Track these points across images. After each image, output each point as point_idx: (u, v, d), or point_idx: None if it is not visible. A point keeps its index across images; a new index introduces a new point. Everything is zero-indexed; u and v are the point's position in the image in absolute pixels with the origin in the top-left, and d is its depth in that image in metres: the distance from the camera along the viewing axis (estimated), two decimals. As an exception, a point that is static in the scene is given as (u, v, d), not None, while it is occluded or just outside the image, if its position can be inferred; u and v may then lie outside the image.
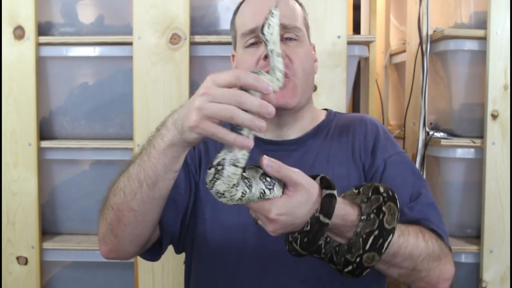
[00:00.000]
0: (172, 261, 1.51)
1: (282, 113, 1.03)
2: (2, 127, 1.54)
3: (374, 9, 1.78)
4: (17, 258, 1.56)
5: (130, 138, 1.55)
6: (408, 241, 0.85)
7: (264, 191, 0.74)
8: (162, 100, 1.50)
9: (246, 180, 0.73)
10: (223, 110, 0.68)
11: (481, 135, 1.57)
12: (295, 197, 0.75)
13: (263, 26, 0.78)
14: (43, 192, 1.60)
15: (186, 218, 1.05)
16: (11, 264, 1.56)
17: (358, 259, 0.79)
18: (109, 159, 1.60)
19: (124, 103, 1.59)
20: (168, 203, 0.96)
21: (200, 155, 1.09)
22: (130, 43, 1.51)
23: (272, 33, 0.78)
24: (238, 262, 1.01)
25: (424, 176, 1.67)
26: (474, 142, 1.57)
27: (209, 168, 0.72)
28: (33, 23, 1.52)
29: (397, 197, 0.82)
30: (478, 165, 1.59)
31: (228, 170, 0.70)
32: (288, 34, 1.03)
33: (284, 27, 1.02)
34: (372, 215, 0.80)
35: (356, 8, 2.00)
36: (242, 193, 0.73)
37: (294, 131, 1.07)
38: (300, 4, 1.12)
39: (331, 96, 1.48)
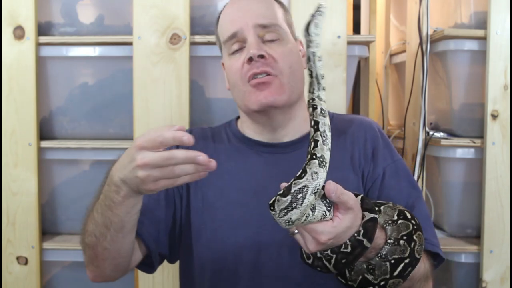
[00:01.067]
0: (172, 261, 1.52)
1: (273, 112, 1.02)
2: (2, 127, 1.54)
3: (374, 9, 1.78)
4: (17, 258, 1.56)
5: (130, 138, 1.55)
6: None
7: (325, 213, 0.72)
8: (162, 100, 1.50)
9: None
10: (166, 175, 0.76)
11: (481, 135, 1.57)
12: (345, 221, 0.74)
13: (309, 24, 0.74)
14: (43, 192, 1.60)
15: (175, 230, 1.06)
16: (11, 264, 1.56)
17: (382, 283, 0.79)
18: (109, 159, 1.60)
19: (124, 103, 1.59)
20: (151, 221, 1.00)
21: None
22: (130, 43, 1.51)
23: (318, 33, 0.73)
24: (234, 266, 1.00)
25: (424, 176, 1.67)
26: (474, 142, 1.57)
27: (284, 195, 0.68)
28: (33, 23, 1.52)
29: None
30: (478, 165, 1.59)
31: (309, 199, 0.67)
32: (269, 35, 1.02)
33: (264, 27, 1.01)
34: (402, 242, 0.79)
35: (356, 8, 2.00)
36: (306, 216, 0.70)
37: (288, 132, 1.07)
38: (280, 3, 1.10)
39: (331, 96, 1.48)
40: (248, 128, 1.10)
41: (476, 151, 1.59)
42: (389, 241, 0.80)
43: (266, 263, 0.99)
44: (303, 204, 0.67)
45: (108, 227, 0.87)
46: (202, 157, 0.74)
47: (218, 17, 1.12)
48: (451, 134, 1.65)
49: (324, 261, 0.76)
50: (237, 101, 1.07)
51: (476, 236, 1.64)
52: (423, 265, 0.90)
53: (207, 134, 1.14)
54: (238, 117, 1.17)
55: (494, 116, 1.54)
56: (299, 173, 0.70)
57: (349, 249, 0.74)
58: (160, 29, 1.49)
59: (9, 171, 1.54)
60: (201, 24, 1.57)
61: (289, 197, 0.67)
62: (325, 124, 0.73)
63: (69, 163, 1.63)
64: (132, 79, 1.51)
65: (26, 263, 1.56)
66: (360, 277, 0.79)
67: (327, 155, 0.72)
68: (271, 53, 1.00)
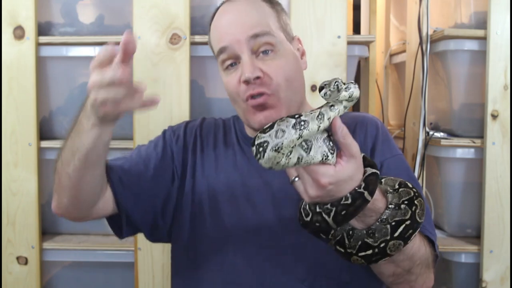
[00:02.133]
0: (172, 261, 1.52)
1: None
2: (2, 127, 1.54)
3: (374, 9, 1.78)
4: (17, 258, 1.56)
5: (130, 138, 1.55)
6: (414, 242, 0.86)
7: (327, 155, 0.71)
8: (162, 100, 1.50)
9: (304, 143, 0.70)
10: (110, 94, 0.80)
11: (481, 135, 1.57)
12: (347, 169, 0.73)
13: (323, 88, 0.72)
14: (43, 192, 1.60)
15: (164, 207, 1.08)
16: (11, 264, 1.56)
17: (382, 245, 0.78)
18: (109, 159, 1.60)
19: (124, 103, 1.59)
20: (130, 182, 1.04)
21: (195, 154, 1.10)
22: (130, 43, 1.51)
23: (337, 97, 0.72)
24: (235, 261, 1.01)
25: (424, 176, 1.67)
26: (474, 142, 1.57)
27: (252, 144, 0.71)
28: (33, 23, 1.52)
29: None
30: (478, 165, 1.59)
31: (269, 155, 0.68)
32: (262, 47, 1.01)
33: (256, 36, 1.00)
34: (403, 206, 0.79)
35: (356, 8, 2.00)
36: (298, 158, 0.70)
37: None
38: (271, 3, 1.08)
39: (331, 96, 1.48)
40: (248, 127, 1.12)
41: (476, 151, 1.59)
42: (390, 206, 0.80)
43: (268, 259, 1.00)
44: (265, 157, 0.69)
45: (73, 154, 0.89)
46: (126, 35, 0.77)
47: (210, 25, 1.10)
48: (451, 134, 1.65)
49: (324, 215, 0.75)
50: (238, 112, 1.08)
51: (476, 236, 1.64)
52: (424, 248, 0.90)
53: (219, 124, 1.17)
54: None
55: (494, 116, 1.54)
56: (266, 126, 0.71)
57: (349, 201, 0.73)
58: (160, 29, 1.49)
59: (9, 171, 1.54)
60: (201, 24, 1.57)
61: (253, 148, 0.70)
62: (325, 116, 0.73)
63: (69, 163, 1.63)
64: (132, 79, 1.50)
65: (26, 263, 1.56)
66: (360, 242, 0.79)
67: (312, 126, 0.70)
68: (266, 71, 0.99)
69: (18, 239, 1.55)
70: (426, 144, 1.64)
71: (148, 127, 1.50)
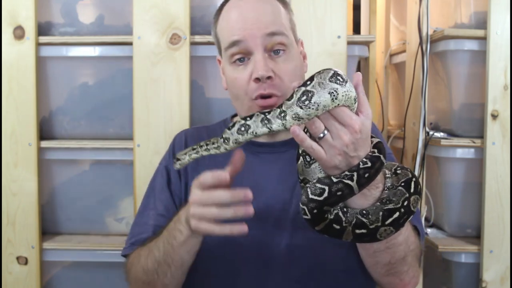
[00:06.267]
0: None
1: None
2: (2, 127, 1.54)
3: (374, 9, 1.78)
4: (17, 258, 1.56)
5: (130, 138, 1.55)
6: (407, 227, 0.88)
7: (356, 96, 0.74)
8: (162, 100, 1.50)
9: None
10: (208, 213, 0.82)
11: (481, 135, 1.57)
12: (368, 122, 0.75)
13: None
14: (43, 192, 1.60)
15: None
16: (11, 264, 1.56)
17: (406, 203, 0.80)
18: (109, 159, 1.60)
19: (124, 103, 1.59)
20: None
21: (186, 171, 1.10)
22: (130, 43, 1.51)
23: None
24: (232, 264, 1.01)
25: (424, 176, 1.67)
26: (474, 142, 1.57)
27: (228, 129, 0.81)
28: (33, 23, 1.52)
29: None
30: (478, 165, 1.59)
31: (237, 140, 0.80)
32: (276, 46, 1.00)
33: (272, 34, 0.99)
34: (399, 188, 0.82)
35: (356, 8, 2.00)
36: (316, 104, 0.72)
37: (286, 133, 1.07)
38: (283, 2, 1.08)
39: (331, 96, 1.48)
40: None
41: (476, 151, 1.59)
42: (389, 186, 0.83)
43: (264, 261, 0.99)
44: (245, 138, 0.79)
45: (169, 265, 0.93)
46: (248, 193, 0.80)
47: (218, 15, 1.07)
48: (451, 134, 1.65)
49: (345, 180, 0.76)
50: (237, 109, 1.07)
51: (476, 236, 1.64)
52: (414, 235, 0.93)
53: (202, 134, 1.14)
54: (234, 115, 1.17)
55: (494, 116, 1.54)
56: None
57: (369, 164, 0.76)
58: (160, 29, 1.49)
59: (9, 171, 1.54)
60: (201, 24, 1.57)
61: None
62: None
63: (69, 163, 1.63)
64: (132, 79, 1.51)
65: (26, 263, 1.56)
66: (381, 213, 0.80)
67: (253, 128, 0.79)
68: (277, 72, 0.99)
69: (18, 239, 1.55)
70: (426, 144, 1.64)
71: (148, 127, 1.50)
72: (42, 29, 1.57)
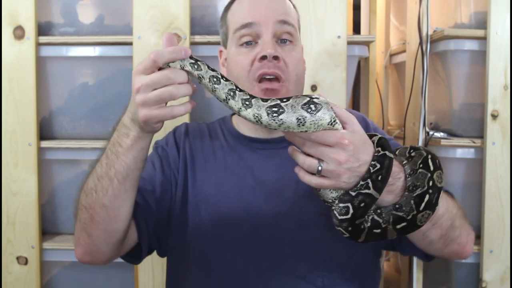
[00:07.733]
0: (172, 261, 1.51)
1: None
2: (2, 127, 1.54)
3: (374, 9, 1.78)
4: (17, 258, 1.56)
5: (130, 138, 1.54)
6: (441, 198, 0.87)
7: (334, 119, 0.74)
8: (162, 100, 1.50)
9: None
10: (162, 94, 0.77)
11: (481, 135, 1.57)
12: (356, 130, 0.76)
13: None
14: (43, 192, 1.60)
15: (168, 220, 1.05)
16: (11, 264, 1.56)
17: (431, 182, 0.81)
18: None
19: (124, 103, 1.57)
20: (144, 206, 0.99)
21: (186, 160, 1.09)
22: (130, 43, 1.51)
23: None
24: (234, 260, 1.01)
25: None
26: (474, 142, 1.57)
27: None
28: (33, 23, 1.52)
29: None
30: (478, 165, 1.59)
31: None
32: (285, 35, 1.04)
33: (284, 22, 1.03)
34: (420, 171, 0.82)
35: (356, 8, 2.00)
36: (301, 122, 0.73)
37: None
38: (294, 6, 1.13)
39: (330, 96, 1.48)
40: (243, 125, 1.12)
41: (476, 151, 1.59)
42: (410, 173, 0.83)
43: (267, 257, 0.99)
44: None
45: (111, 179, 0.87)
46: (187, 49, 0.77)
47: (231, 2, 1.12)
48: (451, 134, 1.65)
49: (363, 191, 0.76)
50: None
51: (476, 236, 1.64)
52: (452, 200, 0.94)
53: (203, 129, 1.16)
54: (233, 114, 1.17)
55: (494, 116, 1.54)
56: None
57: (378, 166, 0.76)
58: (160, 29, 1.49)
59: (9, 171, 1.54)
60: (201, 24, 1.57)
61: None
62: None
63: (69, 163, 1.63)
64: (132, 79, 1.50)
65: (26, 263, 1.56)
66: (391, 217, 0.81)
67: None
68: (284, 57, 1.02)
69: (18, 239, 1.55)
70: (426, 144, 1.64)
71: (148, 127, 1.50)
72: (42, 29, 1.57)
